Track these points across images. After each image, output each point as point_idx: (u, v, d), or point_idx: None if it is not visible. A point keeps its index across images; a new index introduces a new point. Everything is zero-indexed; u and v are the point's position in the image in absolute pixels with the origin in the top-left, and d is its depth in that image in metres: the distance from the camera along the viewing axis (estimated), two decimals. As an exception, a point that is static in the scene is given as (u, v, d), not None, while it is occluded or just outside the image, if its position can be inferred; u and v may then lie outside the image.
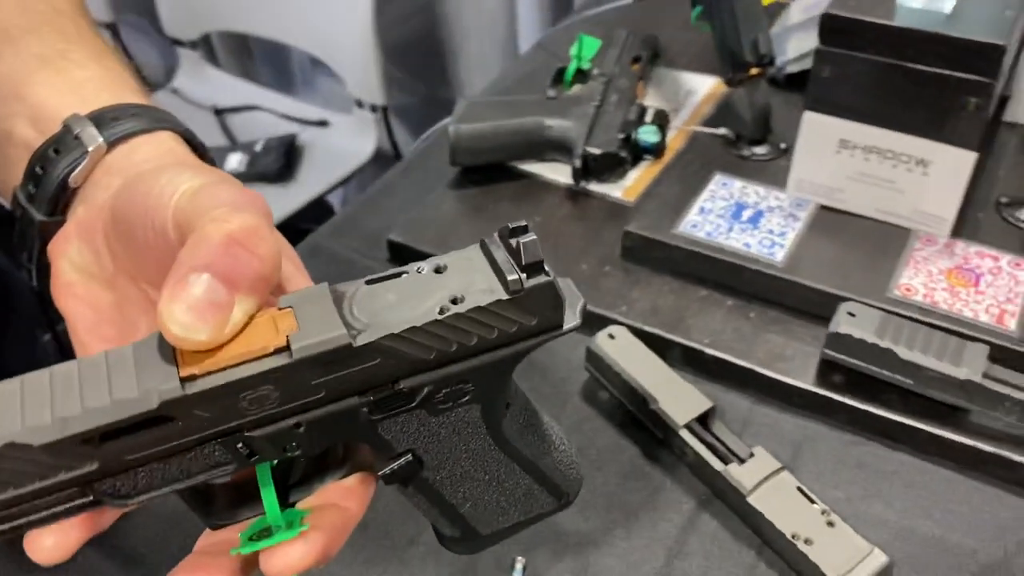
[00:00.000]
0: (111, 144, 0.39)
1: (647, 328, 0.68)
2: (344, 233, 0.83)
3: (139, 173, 0.37)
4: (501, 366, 0.34)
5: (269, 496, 0.35)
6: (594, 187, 0.81)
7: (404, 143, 1.75)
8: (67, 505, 0.31)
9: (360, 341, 0.31)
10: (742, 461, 0.58)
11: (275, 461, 0.34)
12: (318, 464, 0.37)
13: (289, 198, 1.55)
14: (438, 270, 0.33)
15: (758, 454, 0.58)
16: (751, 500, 0.56)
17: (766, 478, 0.57)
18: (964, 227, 0.70)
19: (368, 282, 0.33)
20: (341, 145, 1.68)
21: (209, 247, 0.30)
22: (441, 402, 0.35)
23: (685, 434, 0.60)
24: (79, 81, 0.42)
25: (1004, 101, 0.81)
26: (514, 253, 0.32)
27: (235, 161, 1.56)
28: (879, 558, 0.53)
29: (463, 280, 0.33)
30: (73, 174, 0.39)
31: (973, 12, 0.64)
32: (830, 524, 0.55)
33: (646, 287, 0.72)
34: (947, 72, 0.63)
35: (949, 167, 0.66)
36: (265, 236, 0.32)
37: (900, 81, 0.65)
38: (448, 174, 0.85)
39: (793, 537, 0.55)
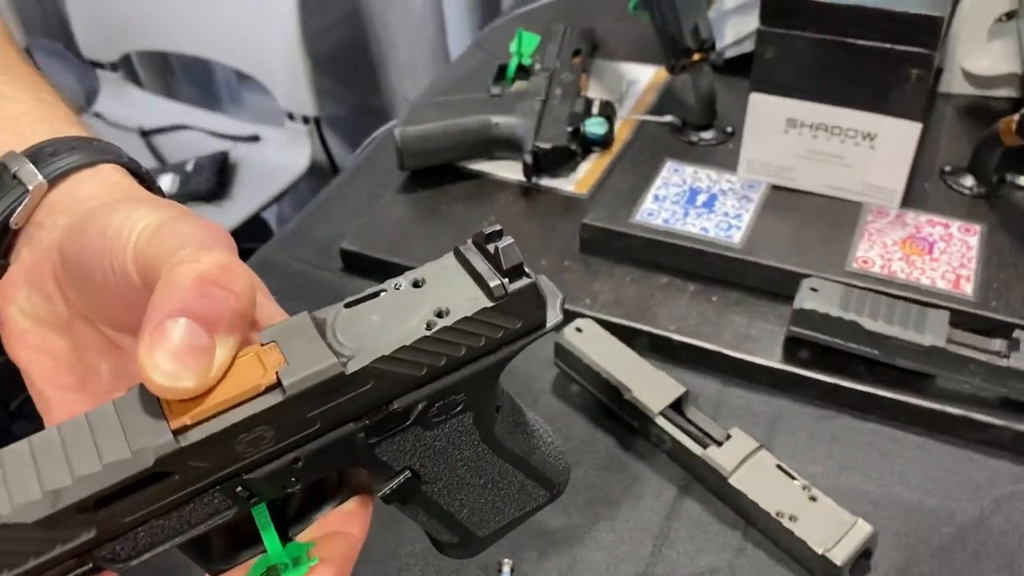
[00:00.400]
0: (52, 181, 0.37)
1: (613, 319, 0.68)
2: (294, 245, 0.81)
3: (88, 211, 0.35)
4: (490, 372, 0.34)
5: (270, 536, 0.34)
6: (546, 182, 0.80)
7: (339, 154, 1.72)
8: None
9: (352, 368, 0.30)
10: (720, 444, 0.58)
11: (271, 500, 0.33)
12: (314, 495, 0.37)
13: (225, 217, 1.51)
14: (416, 284, 0.32)
15: (735, 435, 0.58)
16: (732, 481, 0.56)
17: (745, 458, 0.57)
18: (912, 197, 0.72)
19: (347, 305, 0.32)
20: (274, 160, 1.65)
21: (182, 290, 0.29)
22: (435, 416, 0.34)
23: (661, 421, 0.60)
24: (14, 116, 0.40)
25: (938, 74, 0.83)
26: (493, 258, 0.32)
27: (167, 182, 1.52)
28: (864, 528, 0.54)
29: (444, 292, 0.32)
30: (14, 216, 0.37)
31: (908, -14, 0.65)
32: (812, 499, 0.55)
33: (608, 278, 0.72)
34: (889, 46, 0.64)
35: (895, 139, 0.68)
36: (238, 272, 0.31)
37: (843, 57, 0.66)
38: (396, 179, 0.84)
39: (778, 515, 0.55)
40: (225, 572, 0.35)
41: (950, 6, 0.67)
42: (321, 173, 1.66)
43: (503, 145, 0.81)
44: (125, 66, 1.80)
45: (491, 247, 0.32)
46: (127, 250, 0.32)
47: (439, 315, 0.31)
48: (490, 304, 0.32)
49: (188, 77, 2.05)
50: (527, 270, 0.32)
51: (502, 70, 0.88)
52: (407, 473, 0.35)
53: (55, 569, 0.29)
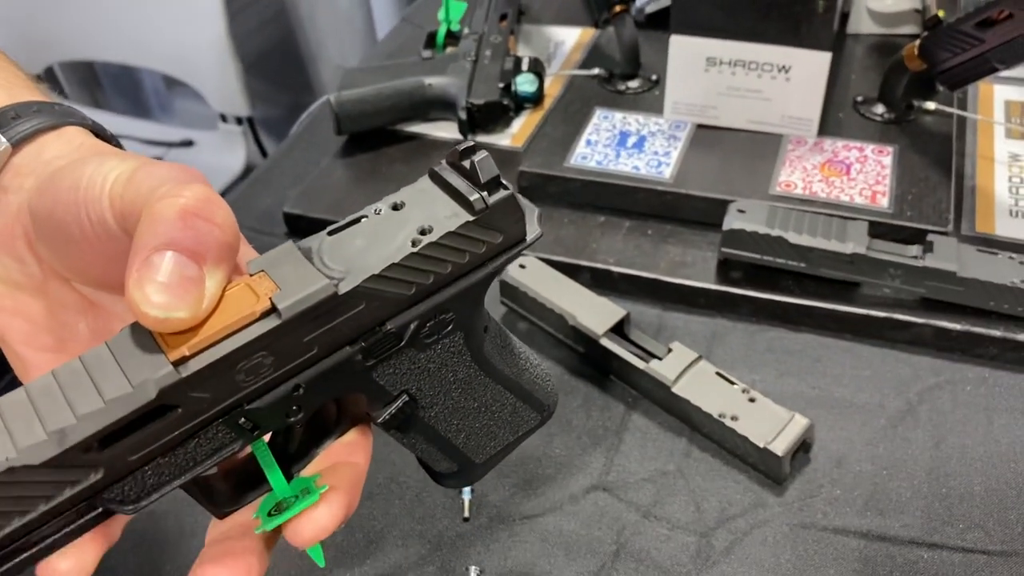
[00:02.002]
0: (16, 144, 0.37)
1: (554, 258, 0.70)
2: (237, 214, 0.81)
3: (57, 169, 0.35)
4: (476, 289, 0.34)
5: (275, 474, 0.34)
6: (482, 138, 0.83)
7: (275, 153, 1.72)
8: (78, 522, 0.29)
9: (344, 288, 0.30)
10: (661, 358, 0.61)
11: (269, 436, 0.34)
12: (314, 430, 0.37)
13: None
14: (396, 207, 0.32)
15: (676, 349, 0.61)
16: (676, 390, 0.59)
17: (686, 368, 0.60)
18: (828, 126, 0.76)
19: (330, 233, 0.32)
20: (210, 163, 1.64)
21: (166, 224, 0.29)
22: (427, 335, 0.34)
23: (605, 342, 0.62)
24: None
25: (845, 17, 0.88)
26: (470, 174, 0.32)
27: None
28: (800, 421, 0.57)
29: (424, 212, 0.32)
30: None
31: (810, -77, 0.69)
32: (751, 400, 0.58)
33: (547, 221, 0.74)
34: (796, -21, 0.68)
35: (808, 70, 0.71)
36: (220, 204, 0.30)
37: (755, -7, 0.69)
38: (334, 146, 0.85)
39: (720, 416, 0.58)
40: (230, 514, 0.35)
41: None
42: (258, 174, 1.66)
43: (438, 105, 0.83)
44: (49, 79, 1.78)
45: (466, 163, 0.32)
46: (103, 199, 0.32)
47: (422, 233, 0.31)
48: (471, 218, 0.32)
49: (115, 87, 2.03)
50: (504, 182, 0.32)
51: (432, 37, 0.91)
52: (404, 397, 0.36)
53: (65, 514, 0.29)
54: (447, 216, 0.32)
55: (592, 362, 0.65)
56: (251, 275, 0.30)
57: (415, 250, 0.31)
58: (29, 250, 0.36)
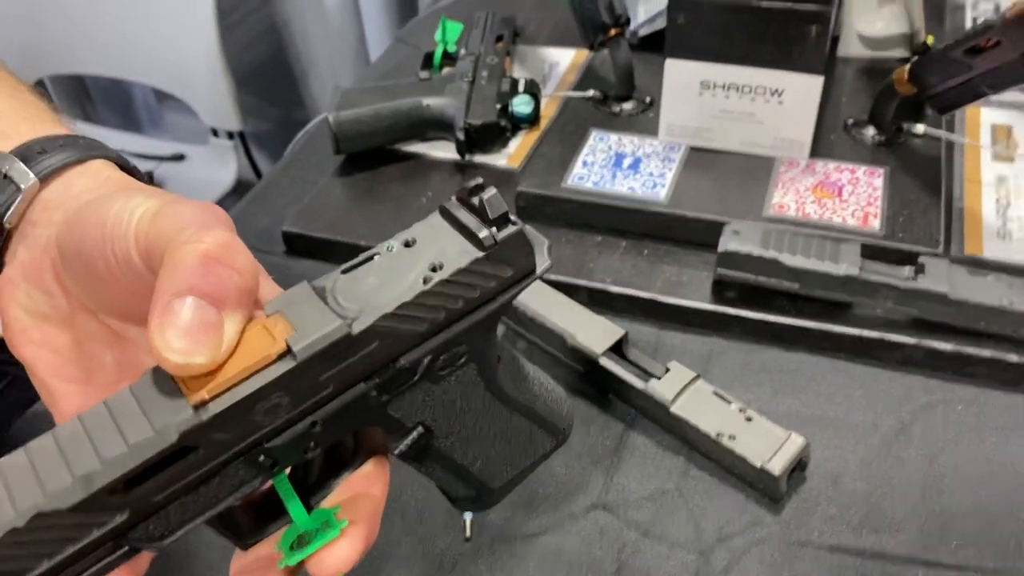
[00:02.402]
0: (44, 179, 0.38)
1: (552, 277, 0.71)
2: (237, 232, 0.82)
3: (85, 204, 0.36)
4: (488, 322, 0.35)
5: (295, 506, 0.35)
6: (479, 158, 0.84)
7: (266, 168, 1.73)
8: (105, 561, 0.30)
9: (357, 328, 0.31)
10: (659, 377, 0.62)
11: (289, 470, 0.35)
12: (333, 462, 0.38)
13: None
14: (408, 244, 0.33)
15: (673, 368, 0.62)
16: (674, 410, 0.60)
17: (684, 388, 0.61)
18: (820, 148, 0.77)
19: (344, 271, 0.33)
20: (200, 177, 1.65)
21: (187, 269, 0.30)
22: (441, 368, 0.35)
23: (604, 361, 0.63)
24: None
25: (836, 41, 0.89)
26: (479, 211, 0.33)
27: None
28: (797, 441, 0.58)
29: (436, 248, 0.33)
30: (7, 215, 0.37)
31: (803, -49, 0.70)
32: (748, 419, 0.59)
33: (544, 241, 0.75)
34: (789, 5, 0.69)
35: (801, 93, 0.73)
36: (240, 249, 0.31)
37: (748, 19, 0.71)
38: (332, 165, 0.86)
39: (717, 436, 0.58)
40: (256, 545, 0.36)
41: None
42: (248, 188, 1.66)
43: (435, 125, 0.84)
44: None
45: (475, 200, 0.32)
46: (128, 236, 0.33)
47: (434, 270, 0.32)
48: (481, 254, 0.33)
49: (106, 101, 2.03)
50: (513, 218, 0.33)
51: (429, 57, 0.92)
52: (420, 429, 0.37)
53: (93, 554, 0.29)
54: (457, 253, 0.33)
55: (591, 381, 0.66)
56: (268, 316, 0.31)
57: (426, 288, 0.32)
58: (57, 283, 0.37)
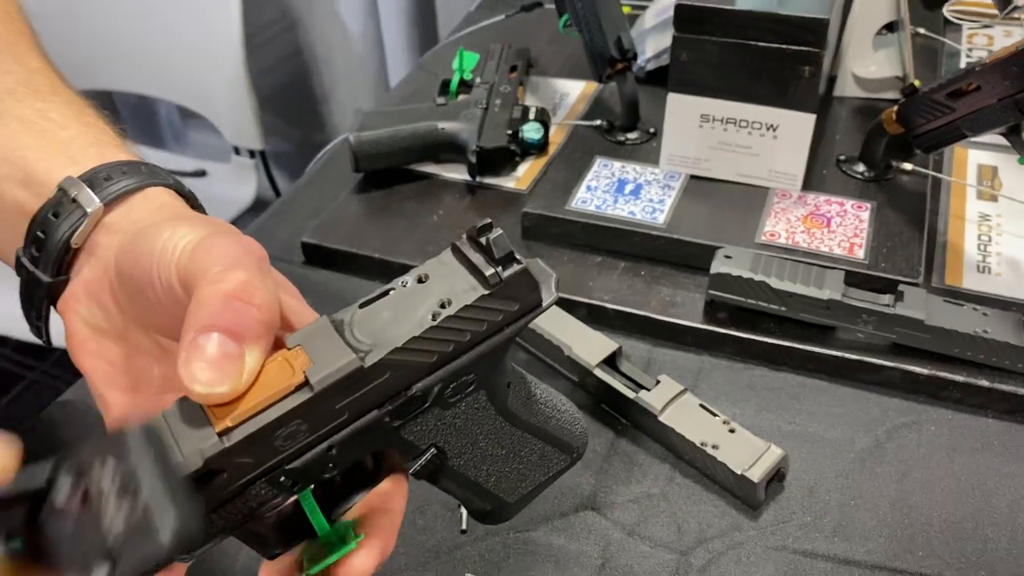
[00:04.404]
0: (107, 204, 0.41)
1: (552, 293, 0.75)
2: (259, 242, 0.87)
3: (139, 231, 0.39)
4: (496, 352, 0.37)
5: (318, 520, 0.38)
6: (489, 180, 0.88)
7: (285, 188, 1.78)
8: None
9: (369, 361, 0.33)
10: (649, 389, 0.66)
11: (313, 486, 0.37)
12: (353, 479, 0.40)
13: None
14: (420, 280, 0.36)
15: (663, 381, 0.66)
16: (662, 419, 0.64)
17: (672, 399, 0.65)
18: (812, 181, 0.81)
19: (361, 305, 0.35)
20: (221, 193, 1.69)
21: (211, 308, 0.33)
22: (451, 395, 0.38)
23: (598, 372, 0.67)
24: (64, 142, 0.44)
25: (833, 80, 0.94)
26: (486, 250, 0.35)
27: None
28: (776, 452, 0.61)
29: (445, 285, 0.36)
30: (74, 236, 0.41)
31: (798, -4, 0.75)
32: (731, 431, 0.63)
33: (547, 259, 0.77)
34: (784, 46, 0.74)
35: (794, 129, 0.77)
36: (258, 286, 0.34)
37: (746, 58, 0.75)
38: (350, 182, 0.91)
39: (702, 444, 0.62)
40: (281, 555, 0.39)
41: (834, 11, 0.78)
42: (267, 205, 1.71)
43: (449, 148, 0.89)
44: (70, 105, 1.83)
45: (483, 239, 0.35)
46: (171, 266, 0.36)
47: (443, 306, 0.35)
48: (487, 292, 0.35)
49: (132, 116, 2.09)
50: (518, 257, 0.35)
51: (445, 84, 0.97)
52: (432, 450, 0.39)
53: None
54: (465, 290, 0.35)
55: (585, 391, 0.69)
56: (289, 349, 0.34)
57: (435, 323, 0.35)
58: (113, 301, 0.41)
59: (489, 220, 0.35)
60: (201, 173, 1.75)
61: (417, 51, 1.85)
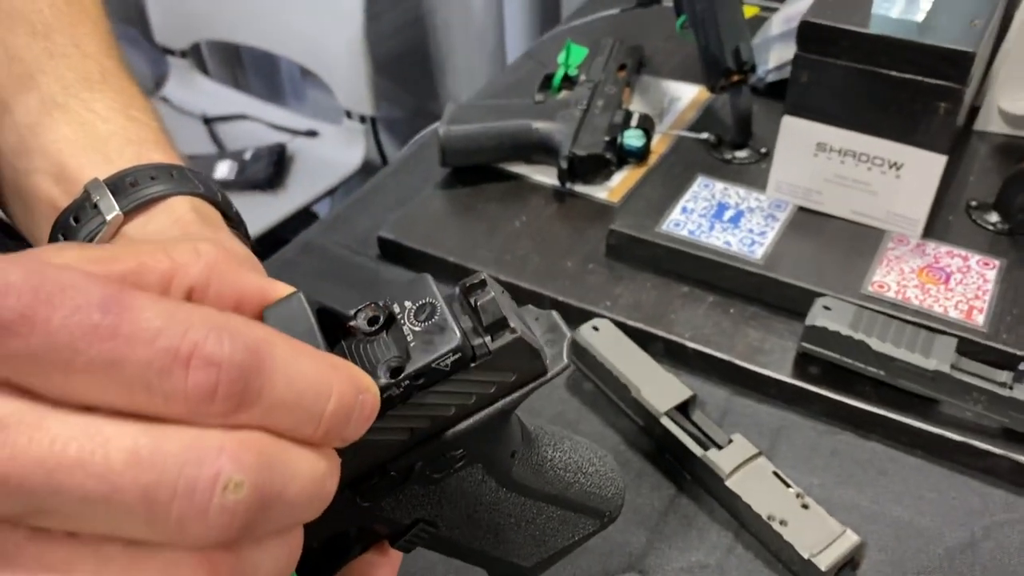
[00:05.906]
0: (127, 213, 0.40)
1: (630, 322, 0.70)
2: (336, 231, 0.85)
3: None
4: (490, 425, 0.32)
5: None
6: (580, 188, 0.83)
7: (392, 154, 1.77)
8: None
9: None
10: (720, 447, 0.60)
11: None
12: (334, 549, 0.36)
13: (277, 206, 1.57)
14: None
15: (736, 440, 0.60)
16: (729, 484, 0.58)
17: (743, 463, 0.59)
18: (935, 228, 0.73)
19: None
20: (329, 155, 1.70)
21: None
22: (435, 472, 0.33)
23: (666, 421, 0.62)
24: (102, 137, 0.42)
25: (975, 111, 0.84)
26: (475, 313, 0.30)
27: (224, 169, 1.58)
28: (851, 538, 0.55)
29: None
30: (94, 243, 0.40)
31: (943, 21, 0.66)
32: (804, 507, 0.57)
33: (629, 283, 0.74)
34: (919, 78, 0.66)
35: (920, 170, 0.69)
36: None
37: (874, 86, 0.68)
38: (437, 176, 0.87)
39: (769, 518, 0.56)
40: None
41: (983, 42, 0.69)
42: (373, 171, 1.70)
43: (541, 150, 0.84)
44: (195, 54, 1.87)
45: (472, 300, 0.30)
46: None
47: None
48: (472, 364, 0.30)
49: (255, 69, 2.12)
50: (512, 325, 0.30)
51: (547, 79, 0.91)
52: (420, 524, 0.35)
53: None
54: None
55: (650, 436, 0.64)
56: None
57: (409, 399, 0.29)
58: None
59: (483, 277, 0.30)
60: (313, 133, 1.76)
61: (537, 30, 1.80)
